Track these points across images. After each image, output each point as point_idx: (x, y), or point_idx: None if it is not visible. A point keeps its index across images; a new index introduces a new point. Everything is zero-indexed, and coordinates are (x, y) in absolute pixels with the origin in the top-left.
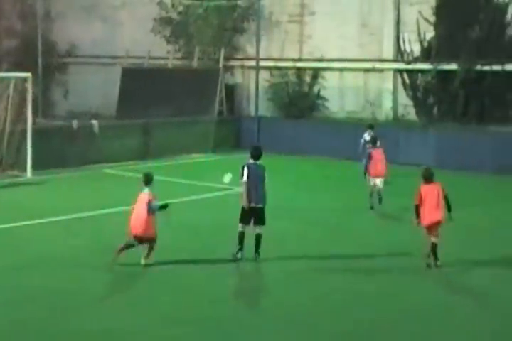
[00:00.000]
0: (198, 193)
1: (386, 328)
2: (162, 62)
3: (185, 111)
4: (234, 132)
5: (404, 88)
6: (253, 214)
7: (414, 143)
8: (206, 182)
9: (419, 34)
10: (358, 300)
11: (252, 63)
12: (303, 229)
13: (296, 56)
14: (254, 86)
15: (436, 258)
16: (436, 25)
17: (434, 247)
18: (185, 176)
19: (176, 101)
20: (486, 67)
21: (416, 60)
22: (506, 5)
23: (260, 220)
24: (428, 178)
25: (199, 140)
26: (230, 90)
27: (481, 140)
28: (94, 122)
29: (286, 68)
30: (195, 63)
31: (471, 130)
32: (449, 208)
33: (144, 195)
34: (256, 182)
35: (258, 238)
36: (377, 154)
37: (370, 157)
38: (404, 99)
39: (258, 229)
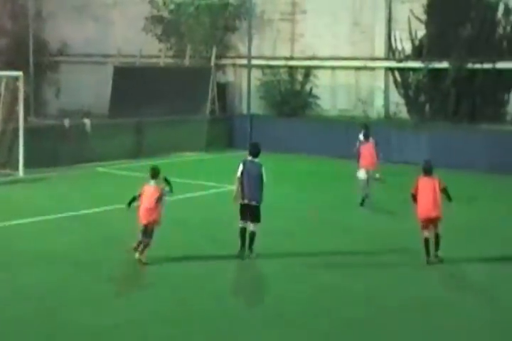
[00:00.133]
0: (191, 191)
1: (377, 326)
2: (154, 60)
3: (178, 110)
4: (226, 130)
5: (396, 86)
6: (248, 211)
7: (405, 142)
8: (199, 180)
9: (410, 32)
10: (349, 297)
11: (244, 61)
12: (295, 227)
13: (287, 54)
14: (246, 84)
15: (437, 249)
16: (428, 24)
17: (438, 238)
18: (178, 175)
19: (168, 100)
20: (478, 66)
21: (407, 58)
22: (497, 3)
23: (254, 218)
24: (427, 171)
25: (191, 138)
26: (222, 89)
27: (473, 138)
28: (87, 121)
29: (278, 66)
30: (186, 62)
31: (463, 128)
32: (449, 199)
33: (150, 187)
34: (250, 180)
35: (251, 235)
36: (366, 148)
37: (359, 151)
38: (395, 97)
39: (252, 227)
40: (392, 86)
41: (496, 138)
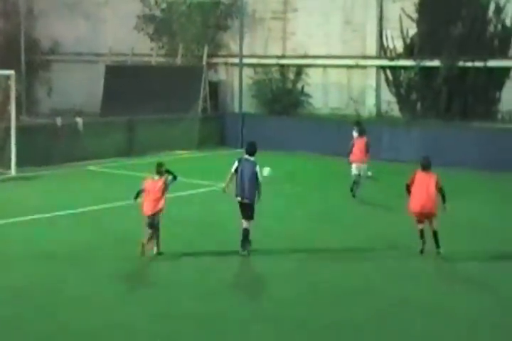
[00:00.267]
0: (183, 190)
1: (374, 324)
2: (146, 59)
3: (169, 108)
4: (218, 129)
5: (388, 85)
6: (242, 209)
7: (397, 140)
8: (191, 178)
9: (401, 31)
10: (347, 295)
11: (236, 60)
12: (289, 224)
13: (279, 53)
14: (238, 83)
15: (438, 246)
16: (419, 22)
17: (436, 234)
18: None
19: (160, 99)
20: (469, 64)
21: (399, 56)
22: (488, 1)
23: (247, 215)
24: (425, 166)
25: (183, 137)
26: (214, 87)
27: (464, 136)
28: (79, 120)
29: (270, 65)
30: (178, 60)
31: (454, 126)
32: (443, 200)
33: (154, 181)
34: (244, 178)
35: (244, 232)
36: (358, 143)
37: (352, 145)
38: (387, 95)
39: (245, 224)
40: (383, 84)
41: (487, 136)
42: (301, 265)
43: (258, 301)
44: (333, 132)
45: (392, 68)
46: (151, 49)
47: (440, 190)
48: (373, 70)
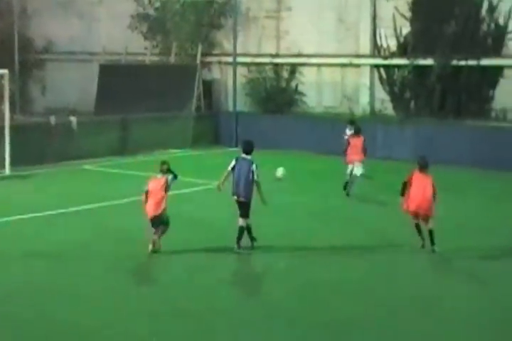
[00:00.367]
0: (177, 188)
1: (374, 320)
2: (139, 58)
3: (164, 107)
4: (212, 127)
5: (381, 83)
6: (238, 207)
7: (391, 138)
8: (185, 177)
9: (395, 29)
10: (346, 292)
11: (230, 59)
12: (284, 222)
13: (273, 51)
14: (232, 81)
15: (433, 243)
16: (413, 21)
17: (431, 233)
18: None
19: (153, 97)
20: (462, 62)
21: (392, 55)
22: (481, 0)
23: (243, 213)
24: (423, 167)
25: (177, 135)
26: (208, 86)
27: (458, 134)
28: (73, 118)
29: (264, 64)
30: (172, 59)
31: (448, 124)
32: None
33: (156, 180)
34: (240, 176)
35: (239, 229)
36: (355, 142)
37: (348, 144)
38: (381, 94)
39: (240, 222)
40: (377, 83)
41: (480, 134)
42: (297, 263)
43: (253, 299)
44: (327, 131)
45: (386, 67)
46: (145, 48)
47: (434, 193)
48: (367, 69)
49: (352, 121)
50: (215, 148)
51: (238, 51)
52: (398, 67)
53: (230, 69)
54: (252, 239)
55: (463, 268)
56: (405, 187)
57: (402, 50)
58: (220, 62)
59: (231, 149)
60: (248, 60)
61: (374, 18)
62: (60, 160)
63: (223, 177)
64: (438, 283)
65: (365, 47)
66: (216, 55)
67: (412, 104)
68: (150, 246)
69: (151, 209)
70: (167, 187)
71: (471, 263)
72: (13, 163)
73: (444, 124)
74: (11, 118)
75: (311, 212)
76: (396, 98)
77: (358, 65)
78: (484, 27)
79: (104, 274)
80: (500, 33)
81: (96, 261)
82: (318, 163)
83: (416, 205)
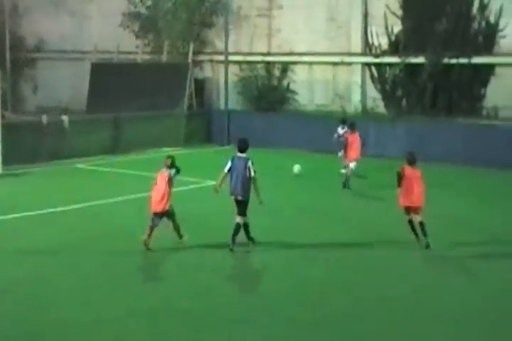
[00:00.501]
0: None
1: (364, 317)
2: (131, 56)
3: (155, 106)
4: (204, 126)
5: (373, 81)
6: (236, 205)
7: (383, 136)
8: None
9: (386, 27)
10: (337, 288)
11: (221, 57)
12: (278, 219)
13: (265, 50)
14: (224, 80)
15: (425, 235)
16: (404, 19)
17: (422, 225)
18: (156, 170)
19: (145, 96)
20: (453, 60)
21: (384, 53)
22: None
23: (241, 211)
24: (412, 162)
25: (169, 134)
26: (200, 84)
27: (450, 132)
28: (64, 117)
29: (256, 62)
30: (164, 58)
31: (440, 122)
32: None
33: (162, 174)
34: (237, 175)
35: (236, 226)
36: (352, 138)
37: (346, 141)
38: (372, 92)
39: (238, 219)
40: (369, 81)
41: (472, 132)
42: (291, 260)
43: (248, 297)
44: (319, 129)
45: (378, 65)
46: (137, 46)
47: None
48: (358, 67)
49: (344, 120)
50: (207, 147)
51: (230, 49)
52: (390, 65)
53: (221, 68)
54: (250, 239)
55: (456, 264)
56: (400, 177)
57: (394, 48)
58: (211, 61)
59: (223, 147)
60: (240, 58)
61: (365, 16)
62: (53, 159)
63: (220, 180)
64: (433, 279)
65: (357, 45)
66: (208, 53)
67: (404, 102)
68: (144, 236)
69: (155, 203)
70: (170, 182)
71: (464, 259)
72: (5, 162)
73: (436, 122)
74: (3, 117)
75: (303, 210)
76: (388, 96)
77: (349, 63)
78: (475, 25)
79: (98, 272)
80: (491, 31)
81: (89, 259)
82: (310, 161)
83: (410, 200)
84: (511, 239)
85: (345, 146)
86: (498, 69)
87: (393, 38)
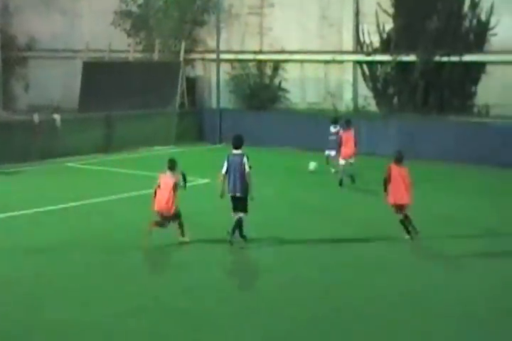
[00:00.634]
0: None
1: (361, 314)
2: (123, 55)
3: (147, 104)
4: (196, 124)
5: (364, 79)
6: (235, 202)
7: (375, 134)
8: None
9: (378, 26)
10: (333, 285)
11: (213, 56)
12: (272, 216)
13: (256, 48)
14: (216, 78)
15: (413, 227)
16: (395, 17)
17: (407, 218)
18: (148, 168)
19: (137, 94)
20: (445, 58)
21: (375, 51)
22: None
23: (241, 208)
24: (399, 160)
25: (161, 132)
26: (192, 83)
27: (441, 129)
28: (56, 116)
29: (247, 60)
30: (156, 56)
31: (431, 120)
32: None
33: (166, 177)
34: (234, 173)
35: (236, 221)
36: (347, 136)
37: (340, 139)
38: (364, 90)
39: (240, 215)
40: (360, 79)
41: (463, 130)
42: (287, 257)
43: (243, 295)
44: (310, 127)
45: (369, 63)
46: (129, 45)
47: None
48: (350, 65)
49: (336, 120)
50: (199, 145)
51: (221, 48)
52: (381, 63)
53: (213, 66)
54: (243, 236)
55: (454, 262)
56: (386, 183)
57: (385, 46)
58: (203, 59)
59: (215, 146)
60: (231, 56)
61: (357, 14)
62: (45, 157)
63: (221, 184)
64: (427, 275)
65: (348, 43)
66: (199, 51)
67: (395, 100)
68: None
69: (161, 206)
70: (176, 187)
71: (460, 257)
72: None
73: (427, 120)
74: None
75: (296, 207)
76: (379, 94)
77: (341, 62)
78: (466, 23)
79: (92, 271)
80: (482, 28)
81: (83, 258)
82: (301, 159)
83: (398, 198)
84: (506, 236)
85: (339, 144)
86: (489, 67)
87: (385, 36)
